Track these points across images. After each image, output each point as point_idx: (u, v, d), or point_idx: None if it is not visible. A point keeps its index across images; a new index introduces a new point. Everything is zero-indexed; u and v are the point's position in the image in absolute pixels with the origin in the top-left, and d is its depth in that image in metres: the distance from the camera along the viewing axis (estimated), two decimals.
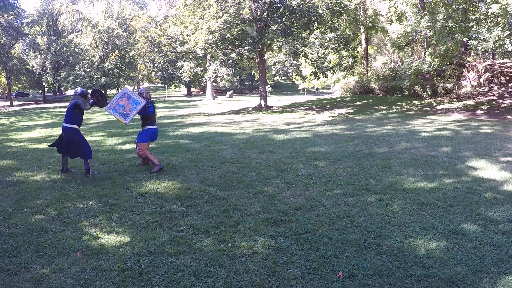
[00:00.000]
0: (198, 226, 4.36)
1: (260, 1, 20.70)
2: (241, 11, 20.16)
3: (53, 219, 4.67)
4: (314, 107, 23.64)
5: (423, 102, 21.41)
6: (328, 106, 23.67)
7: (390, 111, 19.20)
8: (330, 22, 20.43)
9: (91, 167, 6.71)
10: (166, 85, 49.90)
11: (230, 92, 46.22)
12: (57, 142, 6.75)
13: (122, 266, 3.46)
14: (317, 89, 48.70)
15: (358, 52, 26.84)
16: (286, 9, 19.89)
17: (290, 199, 5.25)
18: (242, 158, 7.94)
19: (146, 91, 7.17)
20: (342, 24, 25.87)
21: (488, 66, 22.10)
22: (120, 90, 7.42)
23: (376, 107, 21.28)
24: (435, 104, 20.52)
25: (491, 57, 30.92)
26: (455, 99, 20.71)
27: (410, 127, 12.88)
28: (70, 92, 55.26)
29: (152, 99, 7.24)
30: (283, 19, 20.54)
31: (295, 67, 19.71)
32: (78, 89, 6.89)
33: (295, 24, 20.61)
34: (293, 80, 31.95)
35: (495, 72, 21.57)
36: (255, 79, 51.93)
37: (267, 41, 20.69)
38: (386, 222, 4.37)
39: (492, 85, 21.28)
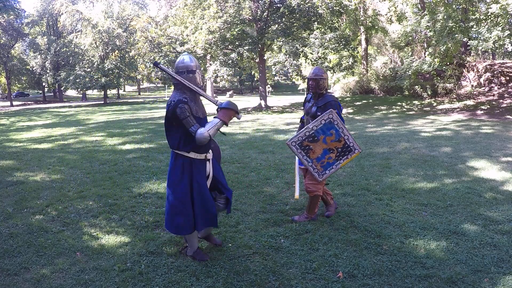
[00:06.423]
0: None
1: (260, 1, 20.69)
2: (241, 11, 20.16)
3: (53, 219, 4.67)
4: None
5: (423, 102, 21.40)
6: None
7: (390, 111, 19.20)
8: (330, 22, 20.43)
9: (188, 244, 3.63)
10: (166, 85, 49.83)
11: (230, 92, 46.23)
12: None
13: (122, 266, 3.46)
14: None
15: (358, 52, 26.82)
16: (286, 9, 19.88)
17: (290, 199, 5.25)
18: (242, 158, 7.93)
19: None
20: (342, 24, 25.87)
21: (488, 66, 22.09)
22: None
23: (376, 107, 21.28)
24: (435, 104, 20.51)
25: (491, 57, 30.88)
26: (455, 99, 20.70)
27: (410, 127, 12.87)
28: (70, 92, 55.28)
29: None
30: (283, 19, 20.53)
31: (295, 67, 19.70)
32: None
33: (295, 24, 20.61)
34: (293, 80, 31.97)
35: (495, 72, 21.56)
36: (255, 79, 51.83)
37: (267, 41, 20.68)
38: (386, 222, 4.37)
39: (492, 85, 21.27)
